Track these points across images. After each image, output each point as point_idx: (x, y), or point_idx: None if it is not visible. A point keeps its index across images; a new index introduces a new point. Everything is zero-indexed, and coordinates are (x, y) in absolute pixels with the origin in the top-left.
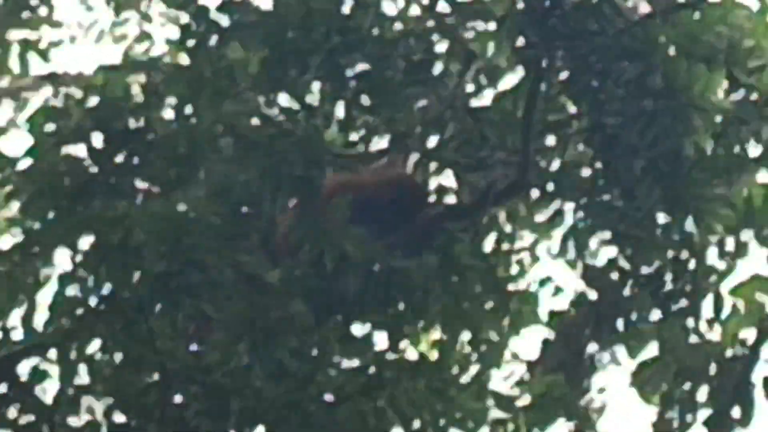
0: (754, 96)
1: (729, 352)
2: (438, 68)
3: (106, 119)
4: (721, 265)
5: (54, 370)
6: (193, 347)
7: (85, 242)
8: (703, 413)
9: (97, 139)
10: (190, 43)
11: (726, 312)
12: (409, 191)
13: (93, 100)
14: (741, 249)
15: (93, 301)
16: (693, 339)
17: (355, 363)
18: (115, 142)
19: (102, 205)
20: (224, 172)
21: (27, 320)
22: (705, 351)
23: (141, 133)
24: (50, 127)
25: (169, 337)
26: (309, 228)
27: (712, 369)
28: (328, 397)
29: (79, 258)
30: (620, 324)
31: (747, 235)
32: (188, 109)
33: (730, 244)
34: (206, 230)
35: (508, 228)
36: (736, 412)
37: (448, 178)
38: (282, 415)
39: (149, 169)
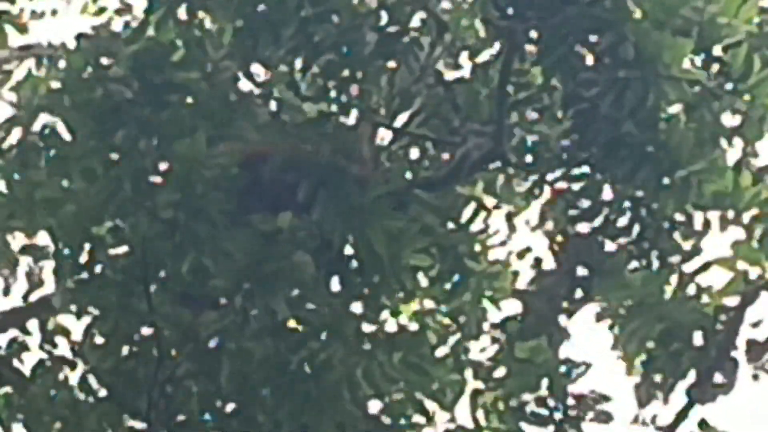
0: (729, 71)
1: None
2: (410, 40)
3: (148, 66)
4: (686, 245)
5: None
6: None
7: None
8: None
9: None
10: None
11: (691, 291)
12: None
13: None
14: (708, 227)
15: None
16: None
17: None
18: (152, 90)
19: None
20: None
21: None
22: (691, 306)
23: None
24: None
25: (168, 303)
26: (339, 221)
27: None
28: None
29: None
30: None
31: (714, 214)
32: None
33: (698, 223)
34: (221, 181)
35: (485, 200)
36: (718, 378)
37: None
38: (269, 376)
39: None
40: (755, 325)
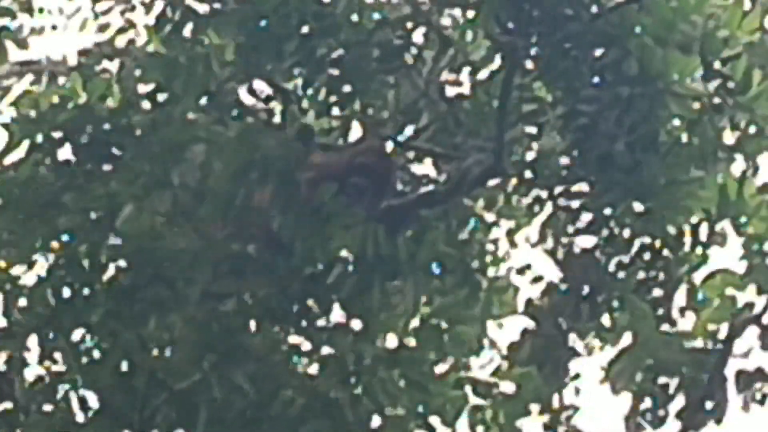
0: (729, 84)
1: (699, 343)
2: (413, 56)
3: (79, 126)
4: (694, 256)
5: (32, 358)
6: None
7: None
8: (676, 407)
9: (67, 151)
10: (166, 30)
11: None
12: (377, 156)
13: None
14: (715, 238)
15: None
16: (665, 327)
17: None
18: (87, 150)
19: (69, 218)
20: (196, 179)
21: None
22: (678, 344)
23: (115, 136)
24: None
25: (138, 348)
26: (298, 225)
27: (685, 361)
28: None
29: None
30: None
31: (720, 225)
32: (161, 97)
33: (703, 234)
34: (174, 247)
35: (486, 216)
36: (709, 406)
37: (422, 166)
38: (247, 425)
39: (121, 175)
40: (745, 354)
